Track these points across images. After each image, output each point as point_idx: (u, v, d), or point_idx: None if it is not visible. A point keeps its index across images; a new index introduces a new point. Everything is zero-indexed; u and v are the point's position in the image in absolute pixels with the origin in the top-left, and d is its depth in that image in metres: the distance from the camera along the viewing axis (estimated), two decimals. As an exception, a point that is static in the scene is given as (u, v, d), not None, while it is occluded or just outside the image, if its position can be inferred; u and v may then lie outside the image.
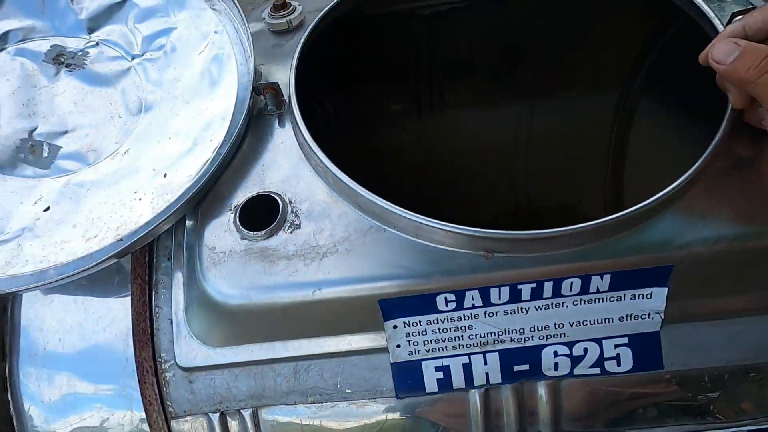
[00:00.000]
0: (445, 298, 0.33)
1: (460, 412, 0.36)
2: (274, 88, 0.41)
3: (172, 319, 0.37)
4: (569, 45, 0.76)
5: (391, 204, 0.33)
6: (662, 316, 0.33)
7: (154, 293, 0.38)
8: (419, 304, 0.33)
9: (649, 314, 0.33)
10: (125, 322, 0.38)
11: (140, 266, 0.38)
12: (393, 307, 0.33)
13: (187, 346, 0.36)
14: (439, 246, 0.33)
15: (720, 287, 0.33)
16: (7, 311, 0.39)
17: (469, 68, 0.80)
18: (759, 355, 0.34)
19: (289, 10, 0.50)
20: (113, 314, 0.38)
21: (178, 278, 0.37)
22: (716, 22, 0.39)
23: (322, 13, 0.47)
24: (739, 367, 0.34)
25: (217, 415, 0.37)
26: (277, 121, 0.42)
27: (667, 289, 0.32)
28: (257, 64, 0.46)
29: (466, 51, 0.77)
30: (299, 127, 0.38)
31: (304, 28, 0.50)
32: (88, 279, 0.39)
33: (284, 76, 0.43)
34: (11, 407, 0.38)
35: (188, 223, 0.38)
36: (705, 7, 0.40)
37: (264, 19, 0.51)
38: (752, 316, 0.33)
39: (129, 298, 0.38)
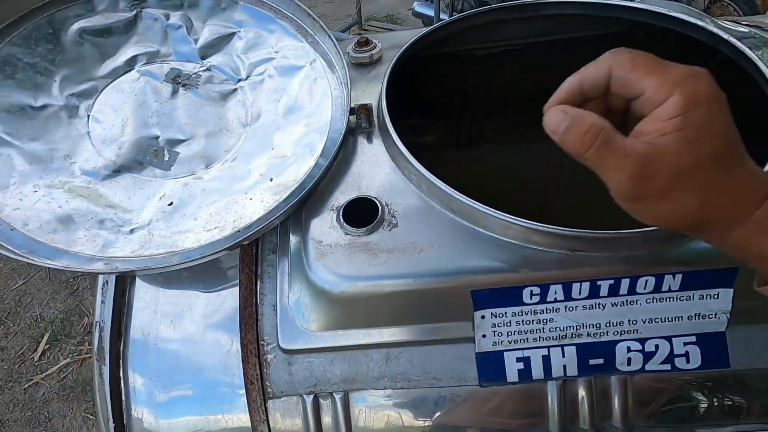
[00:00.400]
0: (531, 291, 0.37)
1: (538, 403, 0.39)
2: (368, 108, 0.47)
3: (276, 306, 0.41)
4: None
5: (482, 205, 0.38)
6: (728, 317, 0.37)
7: (259, 282, 0.42)
8: (507, 295, 0.37)
9: (716, 314, 0.37)
10: (232, 308, 0.42)
11: (248, 257, 0.43)
12: (483, 297, 0.37)
13: (290, 330, 0.40)
14: (526, 244, 0.37)
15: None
16: (125, 295, 0.44)
17: (507, 106, 0.86)
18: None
19: (371, 46, 0.58)
20: (221, 300, 0.43)
21: (283, 269, 0.42)
22: (760, 65, 0.44)
23: (402, 49, 0.54)
24: (801, 368, 0.37)
25: (311, 397, 0.40)
26: (365, 138, 0.48)
27: (732, 290, 0.36)
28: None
29: (507, 90, 0.83)
30: (394, 142, 0.43)
31: (384, 62, 0.57)
32: (199, 269, 0.43)
33: (366, 101, 0.49)
34: (122, 383, 0.42)
35: (292, 220, 0.43)
36: (746, 50, 0.46)
37: (348, 53, 0.58)
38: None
39: (236, 287, 0.42)
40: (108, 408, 0.41)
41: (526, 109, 0.94)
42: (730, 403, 0.38)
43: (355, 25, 2.25)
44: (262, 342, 0.41)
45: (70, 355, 1.46)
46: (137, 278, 0.44)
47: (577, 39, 0.69)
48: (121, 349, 0.42)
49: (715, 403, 0.38)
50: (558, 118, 0.27)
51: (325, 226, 0.41)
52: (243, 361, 0.40)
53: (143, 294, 0.44)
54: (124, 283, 0.44)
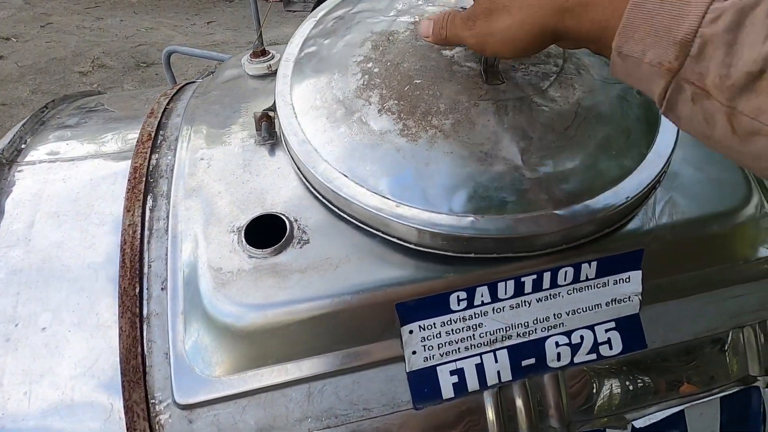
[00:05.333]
0: (458, 296, 0.35)
1: (476, 418, 0.36)
2: (270, 117, 0.43)
3: (168, 353, 0.34)
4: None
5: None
6: (640, 298, 0.38)
7: (145, 326, 0.35)
8: (433, 304, 0.34)
9: (629, 297, 0.38)
10: (111, 362, 0.34)
11: (129, 299, 0.35)
12: (409, 310, 0.34)
13: (188, 380, 0.33)
14: (442, 251, 0.35)
15: (681, 267, 0.39)
16: (-44, 367, 0.33)
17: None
18: (718, 325, 0.39)
19: (268, 56, 0.54)
20: (95, 355, 0.34)
21: (175, 307, 0.35)
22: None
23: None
24: (706, 339, 0.39)
25: (221, 457, 0.33)
26: (268, 151, 0.43)
27: (641, 272, 0.37)
28: (240, 104, 0.49)
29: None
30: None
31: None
32: (61, 317, 0.35)
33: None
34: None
35: (185, 247, 0.37)
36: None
37: (243, 65, 0.54)
38: (708, 291, 0.39)
39: (116, 334, 0.34)
40: None
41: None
42: (653, 383, 0.39)
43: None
44: (152, 400, 0.33)
45: None
46: (-26, 343, 0.34)
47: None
48: (-50, 442, 0.32)
49: (641, 386, 0.39)
50: (426, 23, 0.35)
51: (225, 251, 0.36)
52: (128, 429, 0.32)
53: (-17, 363, 0.34)
54: (-47, 352, 0.33)
